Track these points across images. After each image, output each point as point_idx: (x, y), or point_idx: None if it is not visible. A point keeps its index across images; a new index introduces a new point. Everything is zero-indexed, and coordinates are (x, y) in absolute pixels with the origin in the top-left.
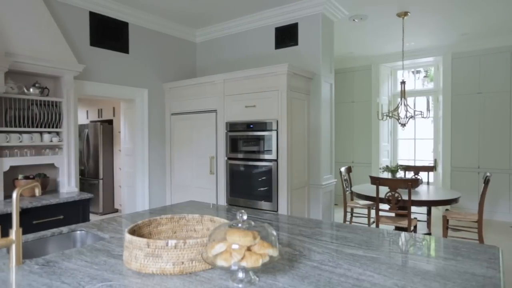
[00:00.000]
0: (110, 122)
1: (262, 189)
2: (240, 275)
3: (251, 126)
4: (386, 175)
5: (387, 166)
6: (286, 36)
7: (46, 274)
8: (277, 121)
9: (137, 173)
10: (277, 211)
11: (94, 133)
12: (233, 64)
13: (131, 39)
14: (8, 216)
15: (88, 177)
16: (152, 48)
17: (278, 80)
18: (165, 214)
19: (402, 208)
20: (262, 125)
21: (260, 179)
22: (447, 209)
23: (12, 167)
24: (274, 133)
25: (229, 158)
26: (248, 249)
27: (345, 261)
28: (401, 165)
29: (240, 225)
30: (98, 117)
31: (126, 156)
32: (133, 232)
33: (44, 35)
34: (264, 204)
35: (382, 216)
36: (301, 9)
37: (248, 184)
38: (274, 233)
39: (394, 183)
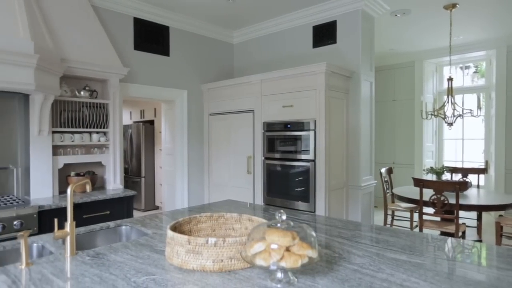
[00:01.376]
0: (151, 122)
1: (299, 189)
2: (279, 275)
3: (289, 126)
4: (430, 177)
5: (431, 167)
6: (324, 34)
7: (96, 265)
8: (315, 121)
9: (176, 171)
10: (314, 212)
11: (137, 133)
12: (270, 64)
13: (171, 42)
14: (62, 210)
15: (131, 175)
16: (191, 50)
17: (316, 79)
18: (204, 213)
19: (448, 212)
20: (300, 125)
21: (297, 179)
22: (500, 215)
23: (65, 165)
24: (311, 133)
25: (266, 158)
26: (287, 249)
27: (387, 265)
28: (447, 167)
29: (279, 225)
30: (141, 117)
31: (167, 155)
32: (174, 229)
33: (93, 41)
34: (301, 205)
35: (426, 220)
36: (340, 6)
37: (285, 184)
38: (314, 234)
39: (439, 186)
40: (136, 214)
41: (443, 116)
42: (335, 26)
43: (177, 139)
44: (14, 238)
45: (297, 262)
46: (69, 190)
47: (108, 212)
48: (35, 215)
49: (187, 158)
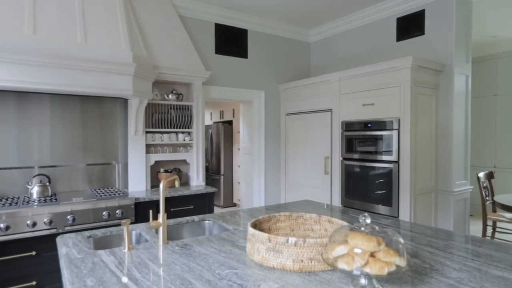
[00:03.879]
0: (230, 122)
1: (380, 192)
2: (363, 281)
3: (369, 125)
4: None
5: None
6: (410, 25)
7: (185, 255)
8: (399, 120)
9: (254, 170)
10: (397, 216)
11: (217, 133)
12: (348, 61)
13: (249, 44)
14: (154, 202)
15: (211, 173)
16: (269, 51)
17: (400, 75)
18: (282, 212)
19: None
20: (381, 124)
21: (378, 181)
22: None
23: (155, 162)
24: (395, 133)
25: (345, 159)
26: (372, 255)
27: (492, 284)
28: None
29: (362, 228)
30: (220, 118)
31: (244, 154)
32: (254, 226)
33: (180, 48)
34: (382, 208)
35: None
36: None
37: (365, 186)
38: (402, 240)
39: None
40: (216, 210)
41: None
42: (423, 16)
43: (254, 139)
44: (117, 225)
45: (383, 269)
46: (161, 185)
47: (192, 207)
48: (132, 206)
49: (264, 158)
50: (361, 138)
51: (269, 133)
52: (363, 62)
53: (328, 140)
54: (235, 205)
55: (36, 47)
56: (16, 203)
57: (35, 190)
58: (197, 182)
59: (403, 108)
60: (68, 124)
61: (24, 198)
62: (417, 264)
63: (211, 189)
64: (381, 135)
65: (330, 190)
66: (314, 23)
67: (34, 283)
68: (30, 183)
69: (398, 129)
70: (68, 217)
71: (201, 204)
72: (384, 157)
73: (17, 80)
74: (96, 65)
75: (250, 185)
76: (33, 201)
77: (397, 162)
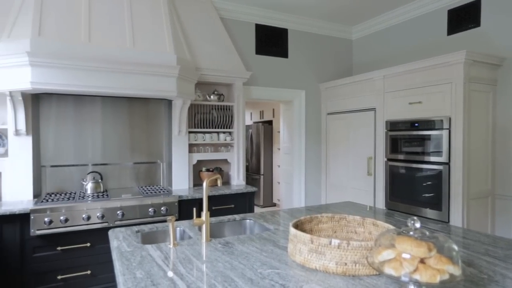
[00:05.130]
0: (270, 122)
1: (428, 195)
2: None
3: (416, 124)
4: None
5: None
6: (463, 17)
7: (227, 253)
8: (450, 119)
9: (294, 170)
10: (448, 222)
11: (257, 132)
12: (393, 58)
13: (290, 43)
14: (196, 200)
15: (251, 172)
16: (309, 50)
17: (451, 71)
18: (324, 213)
19: None
20: (430, 124)
21: (425, 184)
22: None
23: (198, 161)
24: (445, 132)
25: (389, 159)
26: (421, 261)
27: None
28: None
29: (411, 233)
30: (260, 118)
31: (284, 154)
32: (296, 226)
33: (221, 49)
34: (430, 212)
35: None
36: None
37: (411, 188)
38: (455, 247)
39: None
40: (255, 209)
41: None
42: (478, 6)
43: (294, 139)
44: (161, 221)
45: (435, 277)
46: (205, 184)
47: (232, 206)
48: (176, 204)
49: (305, 158)
50: (407, 138)
51: (309, 133)
52: (409, 58)
53: (371, 140)
54: (274, 205)
55: (91, 53)
56: (73, 198)
57: (89, 186)
58: (237, 181)
59: (455, 106)
60: (117, 124)
61: (79, 194)
62: (473, 274)
63: (251, 189)
64: (429, 135)
65: (373, 192)
66: (356, 20)
67: (89, 272)
68: (84, 179)
69: (449, 129)
70: (118, 212)
71: (241, 203)
72: (433, 158)
73: (74, 84)
74: (143, 68)
75: (290, 185)
76: (88, 197)
77: (448, 163)
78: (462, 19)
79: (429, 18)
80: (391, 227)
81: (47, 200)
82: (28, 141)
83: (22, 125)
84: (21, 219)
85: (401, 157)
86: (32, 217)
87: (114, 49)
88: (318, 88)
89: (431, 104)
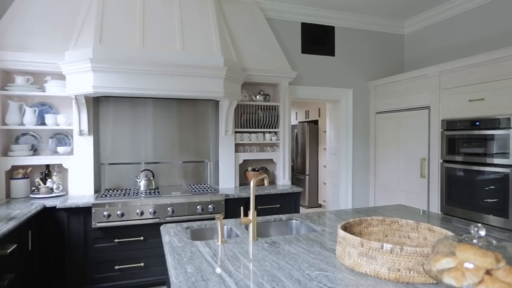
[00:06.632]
0: (315, 122)
1: (491, 200)
2: None
3: (477, 123)
4: None
5: None
6: None
7: (274, 253)
8: None
9: (341, 171)
10: None
11: (302, 132)
12: (450, 52)
13: (337, 41)
14: (242, 199)
15: (296, 172)
16: (357, 48)
17: None
18: (374, 216)
19: None
20: (493, 122)
21: (488, 188)
22: None
23: (244, 161)
24: (511, 132)
25: (445, 161)
26: (487, 272)
27: None
28: None
29: (475, 241)
30: (305, 118)
31: (331, 154)
32: (345, 229)
33: (266, 50)
34: (494, 219)
35: None
36: None
37: (471, 193)
38: None
39: None
40: (300, 210)
41: None
42: None
43: (341, 139)
44: (208, 218)
45: None
46: (252, 183)
47: (278, 206)
48: (223, 202)
49: (352, 158)
50: (465, 138)
51: (357, 133)
52: (468, 52)
53: (425, 140)
54: (320, 206)
55: (145, 58)
56: (128, 194)
57: (142, 184)
58: (283, 181)
59: None
60: (167, 125)
61: (134, 190)
62: None
63: (297, 189)
64: (493, 135)
65: (426, 195)
66: (409, 13)
67: (142, 264)
68: (138, 177)
69: None
70: (168, 208)
71: (287, 203)
72: (497, 160)
73: (130, 87)
74: (192, 70)
75: (337, 186)
76: (141, 193)
77: None
78: None
79: (492, 7)
80: (450, 233)
81: (106, 196)
82: (89, 141)
83: (85, 126)
84: (84, 212)
85: (459, 158)
86: (93, 211)
87: (166, 53)
88: (366, 87)
89: (496, 101)
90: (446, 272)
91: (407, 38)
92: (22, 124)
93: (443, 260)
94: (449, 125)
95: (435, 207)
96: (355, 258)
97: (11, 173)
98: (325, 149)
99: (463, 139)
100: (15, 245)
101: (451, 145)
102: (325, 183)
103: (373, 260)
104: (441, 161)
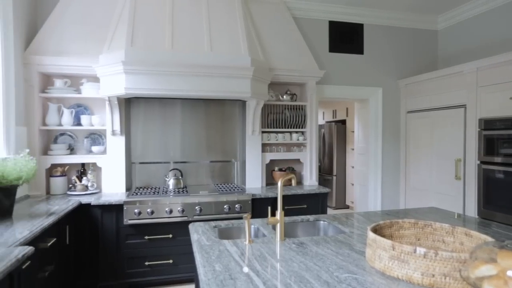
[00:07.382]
0: (343, 122)
1: None
2: None
3: None
4: None
5: None
6: None
7: (301, 254)
8: None
9: (369, 172)
10: None
11: (329, 132)
12: (488, 48)
13: (365, 39)
14: (269, 199)
15: (323, 173)
16: (386, 45)
17: None
18: (405, 218)
19: None
20: None
21: None
22: None
23: (270, 160)
24: None
25: (483, 162)
26: None
27: None
28: None
29: None
30: (333, 117)
31: (359, 155)
32: (375, 231)
33: (293, 49)
34: None
35: None
36: None
37: (510, 196)
38: None
39: None
40: (328, 211)
41: None
42: None
43: (370, 139)
44: (235, 218)
45: None
46: (279, 183)
47: (305, 206)
48: (249, 202)
49: (381, 159)
50: (506, 139)
51: (386, 133)
52: (506, 47)
53: (460, 140)
54: (347, 207)
55: (174, 59)
56: (158, 192)
57: (171, 182)
58: (310, 181)
59: None
60: (195, 125)
61: (163, 189)
62: None
63: (324, 189)
64: None
65: (462, 198)
66: (443, 8)
67: (171, 261)
68: (167, 176)
69: None
70: (196, 207)
71: (314, 204)
72: None
73: (160, 88)
74: (219, 71)
75: (365, 188)
76: (170, 192)
77: None
78: None
79: None
80: (490, 239)
81: (137, 194)
82: (121, 140)
83: (117, 126)
84: (117, 209)
85: (498, 159)
86: (125, 208)
87: (194, 54)
88: (396, 85)
89: None
90: (487, 280)
91: (441, 33)
92: (60, 124)
93: (483, 267)
94: (487, 124)
95: (472, 211)
96: (386, 261)
97: (51, 171)
98: (353, 149)
99: (503, 139)
100: (55, 239)
101: (489, 146)
102: (353, 184)
103: (405, 264)
104: (478, 162)
